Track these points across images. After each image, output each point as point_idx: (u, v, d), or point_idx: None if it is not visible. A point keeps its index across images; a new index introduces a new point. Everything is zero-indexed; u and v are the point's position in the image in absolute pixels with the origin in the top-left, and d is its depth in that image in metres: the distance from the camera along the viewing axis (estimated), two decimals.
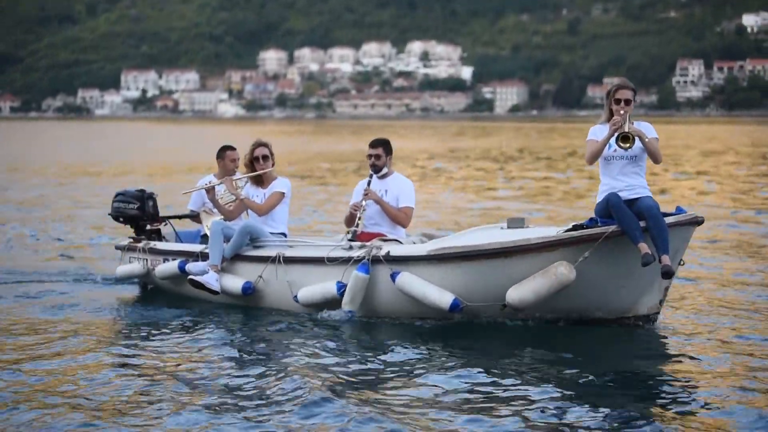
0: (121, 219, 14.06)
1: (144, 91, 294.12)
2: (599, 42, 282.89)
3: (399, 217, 12.12)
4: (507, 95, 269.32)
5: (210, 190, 12.87)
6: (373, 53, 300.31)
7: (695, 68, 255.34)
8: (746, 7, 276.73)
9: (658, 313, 10.84)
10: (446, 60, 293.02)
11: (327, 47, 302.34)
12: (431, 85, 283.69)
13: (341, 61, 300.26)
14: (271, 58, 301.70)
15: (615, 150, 10.62)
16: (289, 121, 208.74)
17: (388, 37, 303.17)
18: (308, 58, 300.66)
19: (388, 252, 11.27)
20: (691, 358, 9.66)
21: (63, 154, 57.31)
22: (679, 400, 8.30)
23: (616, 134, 10.51)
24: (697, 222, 10.49)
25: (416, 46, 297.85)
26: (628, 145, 10.44)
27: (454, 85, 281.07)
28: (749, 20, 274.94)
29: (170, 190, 24.10)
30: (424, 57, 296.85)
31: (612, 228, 10.33)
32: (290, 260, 11.91)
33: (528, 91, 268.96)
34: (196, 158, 50.06)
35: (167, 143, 75.44)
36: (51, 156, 54.17)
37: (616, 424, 7.59)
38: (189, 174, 37.32)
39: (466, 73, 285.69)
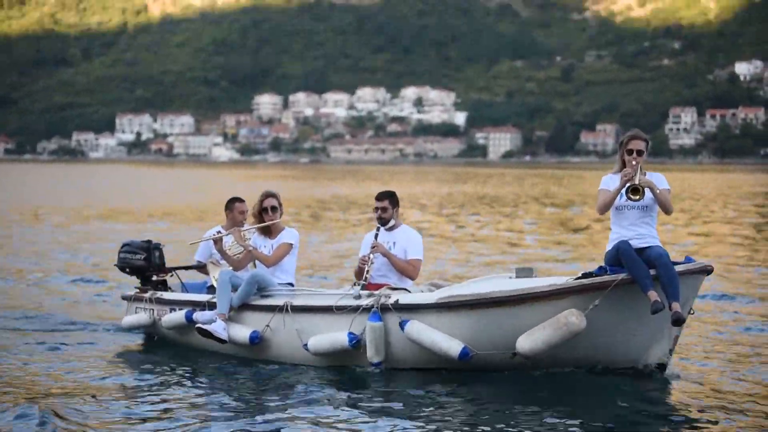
0: (128, 270, 14.05)
1: (138, 135, 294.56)
2: (592, 89, 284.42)
3: (407, 270, 12.13)
4: (500, 141, 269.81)
5: (218, 241, 12.91)
6: (368, 98, 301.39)
7: (688, 116, 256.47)
8: (739, 56, 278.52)
9: (667, 362, 10.86)
10: (440, 105, 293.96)
11: (322, 92, 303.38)
12: (425, 130, 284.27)
13: (336, 105, 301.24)
14: (265, 103, 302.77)
15: (626, 200, 10.69)
16: (283, 165, 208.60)
17: (382, 83, 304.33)
18: (303, 102, 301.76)
19: (397, 300, 11.25)
20: (701, 409, 9.66)
21: (63, 197, 57.21)
22: None
23: (626, 186, 10.58)
24: (707, 271, 10.54)
25: (410, 92, 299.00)
26: (637, 197, 10.50)
27: (447, 130, 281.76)
28: (742, 68, 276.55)
29: (175, 237, 24.03)
30: (418, 102, 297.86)
31: (622, 276, 10.36)
32: (298, 309, 11.88)
33: (521, 137, 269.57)
34: (196, 203, 50.07)
35: (165, 188, 75.33)
36: (51, 199, 54.05)
37: None
38: (190, 222, 37.27)
39: (460, 118, 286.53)
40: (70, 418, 9.44)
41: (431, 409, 9.78)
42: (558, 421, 9.27)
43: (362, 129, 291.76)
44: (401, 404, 9.96)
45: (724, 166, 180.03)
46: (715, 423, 9.13)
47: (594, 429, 8.97)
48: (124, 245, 14.06)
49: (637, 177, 10.56)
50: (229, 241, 13.05)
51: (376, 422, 9.30)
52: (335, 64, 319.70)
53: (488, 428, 9.04)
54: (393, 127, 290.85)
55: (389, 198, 12.34)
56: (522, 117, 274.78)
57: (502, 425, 9.11)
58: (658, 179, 10.73)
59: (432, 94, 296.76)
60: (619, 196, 10.70)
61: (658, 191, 10.59)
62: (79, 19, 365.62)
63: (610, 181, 10.87)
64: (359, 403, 10.06)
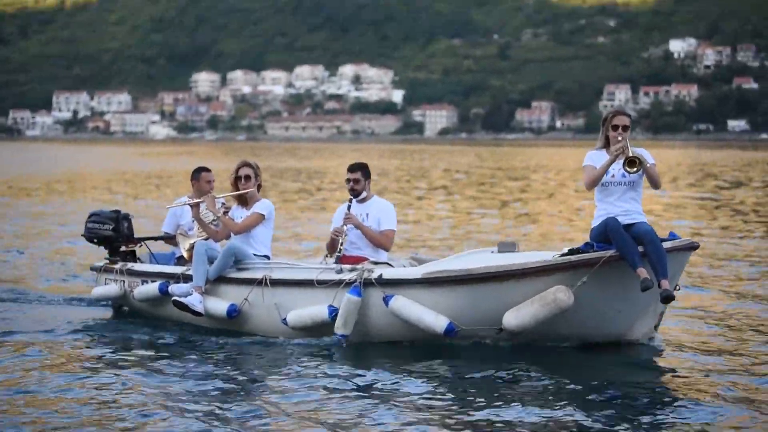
0: (95, 240, 13.79)
1: (75, 113, 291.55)
2: (529, 66, 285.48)
3: (381, 241, 12.02)
4: (437, 118, 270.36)
5: (195, 207, 12.69)
6: (306, 76, 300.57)
7: (622, 93, 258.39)
8: (673, 34, 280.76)
9: (653, 338, 10.88)
10: (378, 83, 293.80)
11: (260, 70, 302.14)
12: (362, 108, 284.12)
13: (274, 83, 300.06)
14: (203, 80, 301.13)
15: (613, 176, 10.66)
16: (220, 143, 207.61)
17: (320, 61, 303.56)
18: (241, 80, 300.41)
19: (381, 275, 11.12)
20: (686, 378, 9.69)
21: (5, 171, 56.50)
22: (677, 422, 8.29)
23: (622, 160, 10.50)
24: (693, 247, 10.56)
25: (348, 69, 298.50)
26: (635, 169, 10.45)
27: (385, 108, 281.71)
28: (676, 46, 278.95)
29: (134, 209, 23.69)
30: (356, 80, 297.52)
31: (610, 252, 10.31)
32: (277, 282, 11.71)
33: (458, 114, 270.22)
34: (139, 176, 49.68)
35: (105, 164, 74.63)
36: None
37: None
38: (140, 195, 36.89)
39: (397, 96, 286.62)
40: (37, 394, 9.19)
41: (413, 382, 9.65)
42: (541, 396, 9.19)
43: (300, 106, 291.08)
44: (381, 377, 9.82)
45: (658, 142, 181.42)
46: (700, 396, 9.10)
47: (578, 402, 8.90)
48: (91, 215, 13.81)
49: (630, 150, 10.50)
50: (202, 209, 12.84)
51: (354, 395, 9.19)
52: (273, 43, 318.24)
53: (471, 400, 8.96)
54: (331, 105, 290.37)
55: (361, 170, 12.21)
56: (458, 95, 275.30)
57: (483, 399, 9.02)
58: (644, 154, 10.67)
59: (370, 72, 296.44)
60: (605, 173, 10.65)
61: (648, 165, 10.54)
62: None
63: (596, 156, 10.83)
64: (337, 377, 9.91)
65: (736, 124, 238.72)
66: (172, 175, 55.95)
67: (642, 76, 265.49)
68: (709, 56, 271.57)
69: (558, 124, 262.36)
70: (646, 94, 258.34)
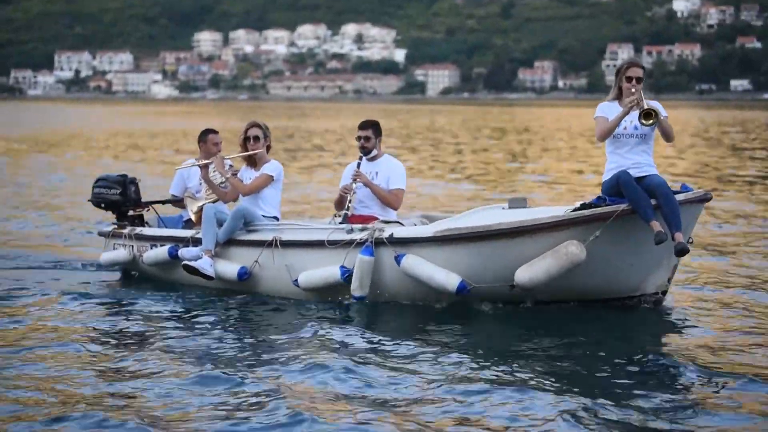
0: (103, 205, 13.64)
1: (77, 72, 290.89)
2: (531, 25, 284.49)
3: (389, 200, 11.92)
4: (439, 78, 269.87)
5: (203, 168, 12.62)
6: (308, 35, 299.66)
7: (625, 52, 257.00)
8: None
9: (666, 291, 10.81)
10: (380, 42, 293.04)
11: (262, 29, 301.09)
12: (365, 67, 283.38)
13: (276, 42, 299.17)
14: (205, 40, 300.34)
15: (625, 128, 10.55)
16: (222, 102, 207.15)
17: (323, 19, 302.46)
18: (243, 39, 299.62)
19: (392, 234, 11.04)
20: (700, 338, 9.67)
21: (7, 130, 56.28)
22: (688, 384, 8.26)
23: (637, 111, 10.40)
24: (706, 199, 10.49)
25: (351, 29, 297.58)
26: (651, 121, 10.35)
27: (387, 67, 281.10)
28: (679, 5, 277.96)
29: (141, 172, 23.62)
30: (359, 39, 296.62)
31: (623, 206, 10.23)
32: (288, 244, 11.64)
33: (460, 74, 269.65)
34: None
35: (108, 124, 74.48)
36: None
37: (621, 410, 7.49)
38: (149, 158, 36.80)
39: (399, 55, 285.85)
40: (46, 363, 9.05)
41: (424, 343, 9.60)
42: (555, 353, 9.19)
43: (302, 66, 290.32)
44: (394, 339, 9.74)
45: (661, 102, 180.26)
46: (711, 354, 9.10)
47: (590, 361, 8.90)
48: (98, 180, 13.65)
49: (645, 102, 10.40)
50: (211, 169, 12.76)
51: (368, 357, 9.13)
52: (276, 1, 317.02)
53: (483, 361, 8.89)
54: (333, 65, 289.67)
55: (373, 127, 12.10)
56: (461, 54, 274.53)
57: (497, 358, 8.97)
58: (657, 107, 10.56)
59: (372, 31, 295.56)
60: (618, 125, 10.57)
61: (661, 118, 10.45)
62: None
63: (608, 108, 10.71)
64: (350, 338, 9.85)
65: (739, 84, 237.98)
66: (176, 134, 55.79)
67: (645, 36, 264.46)
68: (713, 15, 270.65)
69: (560, 83, 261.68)
70: (649, 53, 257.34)
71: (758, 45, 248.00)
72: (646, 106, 10.36)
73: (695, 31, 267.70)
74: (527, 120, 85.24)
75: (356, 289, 11.06)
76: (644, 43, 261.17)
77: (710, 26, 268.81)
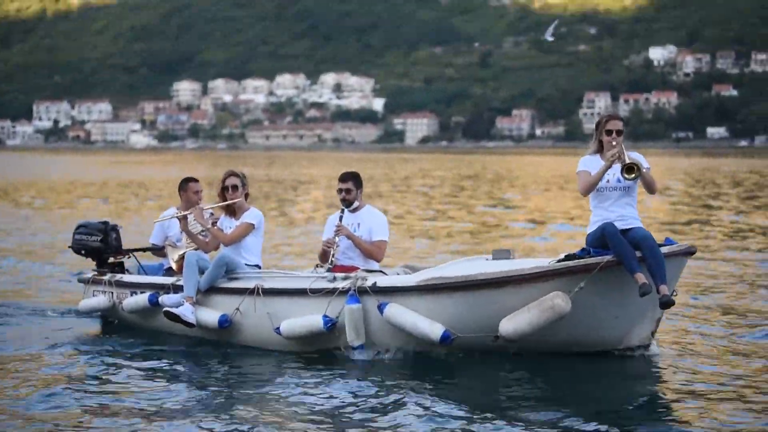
0: (83, 251, 13.61)
1: (56, 122, 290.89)
2: (510, 74, 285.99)
3: (372, 252, 11.86)
4: (417, 126, 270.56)
5: (182, 221, 12.56)
6: (287, 84, 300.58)
7: (602, 100, 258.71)
8: (653, 41, 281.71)
9: (649, 344, 10.75)
10: (359, 91, 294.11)
11: (241, 78, 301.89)
12: (343, 116, 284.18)
13: (255, 92, 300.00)
14: (185, 89, 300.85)
15: (608, 181, 10.55)
16: (201, 151, 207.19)
17: (302, 69, 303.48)
18: (222, 89, 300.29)
19: (375, 283, 10.97)
20: (683, 390, 9.57)
21: None
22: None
23: (620, 166, 10.40)
24: (691, 252, 10.47)
25: (330, 78, 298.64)
26: (633, 175, 10.34)
27: (365, 116, 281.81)
28: (656, 54, 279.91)
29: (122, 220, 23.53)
30: (337, 88, 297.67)
31: (608, 258, 10.20)
32: (270, 292, 11.55)
33: (438, 122, 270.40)
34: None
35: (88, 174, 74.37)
36: None
37: None
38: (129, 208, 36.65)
39: (378, 104, 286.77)
40: (21, 411, 8.93)
41: (410, 394, 9.48)
42: (541, 404, 9.11)
43: (281, 115, 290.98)
44: (377, 389, 9.66)
45: (638, 150, 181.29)
46: (697, 402, 9.03)
47: (575, 411, 8.80)
48: (79, 226, 13.62)
49: (627, 156, 10.40)
50: (190, 220, 12.69)
51: (350, 408, 9.04)
52: (255, 51, 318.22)
53: (470, 412, 8.81)
54: (312, 113, 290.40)
55: (353, 179, 12.05)
56: (440, 103, 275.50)
57: (484, 410, 8.88)
58: (639, 158, 10.56)
59: (351, 80, 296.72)
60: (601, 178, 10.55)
61: (643, 170, 10.44)
62: None
63: (590, 162, 10.71)
64: (334, 389, 9.76)
65: (716, 131, 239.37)
66: (155, 184, 55.74)
67: (622, 84, 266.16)
68: (689, 63, 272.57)
69: (538, 132, 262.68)
70: (626, 101, 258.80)
71: (734, 93, 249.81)
72: (627, 160, 10.35)
73: (672, 79, 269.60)
74: (513, 168, 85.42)
75: (353, 339, 10.97)
76: (621, 91, 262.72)
77: (686, 74, 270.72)
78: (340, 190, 12.05)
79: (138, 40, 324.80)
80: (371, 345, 11.09)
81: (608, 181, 10.54)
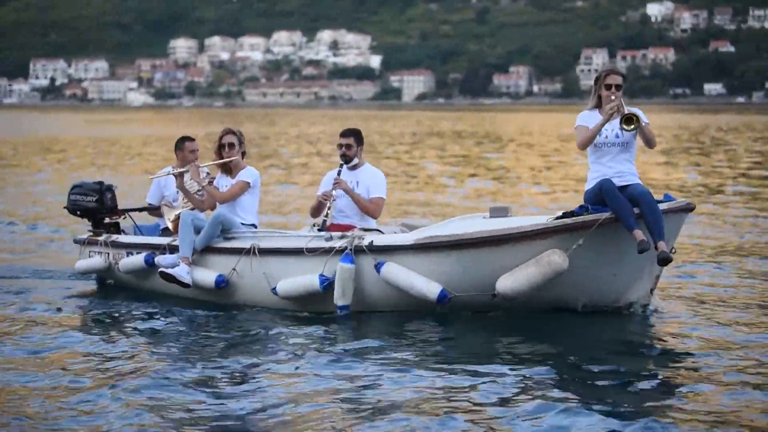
0: (78, 212, 13.53)
1: (53, 80, 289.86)
2: (507, 31, 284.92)
3: (369, 209, 11.76)
4: (414, 84, 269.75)
5: (179, 176, 12.47)
6: (284, 42, 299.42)
7: (599, 57, 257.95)
8: None
9: (648, 302, 10.70)
10: (355, 49, 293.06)
11: (237, 36, 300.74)
12: (340, 73, 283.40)
13: (252, 49, 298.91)
14: (181, 47, 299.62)
15: (606, 137, 10.46)
16: (198, 109, 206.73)
17: (298, 26, 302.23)
18: (218, 46, 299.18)
19: (372, 242, 10.89)
20: (683, 347, 9.52)
21: None
22: (670, 391, 8.14)
23: (618, 117, 10.32)
24: (689, 208, 10.42)
25: (326, 35, 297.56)
26: (632, 126, 10.27)
27: (362, 73, 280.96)
28: (653, 9, 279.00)
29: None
30: (334, 46, 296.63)
31: (606, 215, 10.13)
32: (266, 251, 11.48)
33: (435, 79, 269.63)
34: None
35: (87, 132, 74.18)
36: None
37: (603, 418, 7.32)
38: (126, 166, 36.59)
39: (375, 61, 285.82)
40: (14, 375, 8.86)
41: (406, 352, 9.44)
42: (537, 360, 9.04)
43: (278, 72, 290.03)
44: (374, 348, 9.60)
45: (635, 106, 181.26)
46: (695, 361, 8.97)
47: (573, 369, 8.77)
48: (74, 186, 13.53)
49: (625, 108, 10.31)
50: (186, 178, 12.61)
51: (348, 367, 8.98)
52: (251, 8, 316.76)
53: (466, 368, 8.76)
54: (309, 71, 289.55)
55: (354, 135, 11.95)
56: (436, 60, 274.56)
57: (480, 366, 8.82)
58: (638, 113, 10.46)
59: (348, 37, 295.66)
60: (598, 134, 10.47)
61: (642, 124, 10.36)
62: None
63: (588, 117, 10.64)
64: (330, 348, 9.71)
65: (713, 88, 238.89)
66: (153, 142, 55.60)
67: (619, 40, 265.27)
68: (686, 20, 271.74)
69: (535, 88, 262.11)
70: (623, 58, 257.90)
71: (732, 49, 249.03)
72: (626, 112, 10.27)
73: (669, 35, 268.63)
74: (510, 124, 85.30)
75: (339, 298, 10.90)
76: (618, 47, 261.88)
77: (684, 31, 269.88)
78: (340, 146, 11.94)
79: None
80: (366, 306, 11.04)
81: (606, 136, 10.46)
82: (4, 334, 10.41)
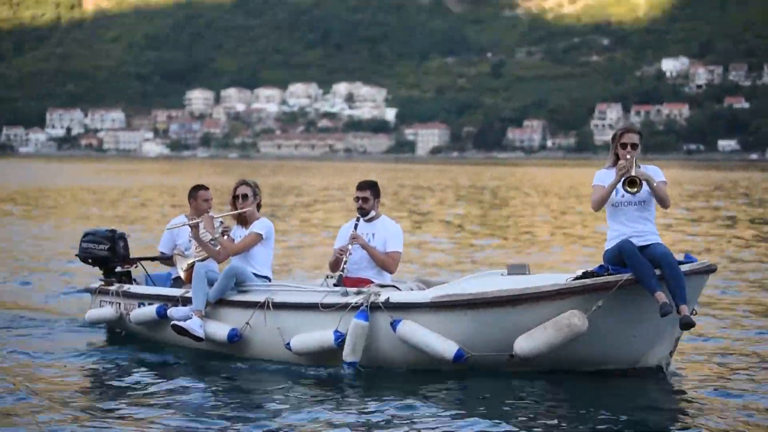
0: (90, 260, 13.40)
1: (69, 130, 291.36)
2: (522, 85, 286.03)
3: (386, 263, 11.62)
4: (429, 137, 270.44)
5: (194, 228, 12.32)
6: (300, 94, 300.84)
7: (613, 112, 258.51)
8: (666, 53, 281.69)
9: (668, 364, 10.49)
10: (371, 101, 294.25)
11: (254, 87, 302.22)
12: (355, 126, 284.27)
13: (268, 101, 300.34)
14: (197, 98, 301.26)
15: (623, 195, 10.29)
16: (213, 160, 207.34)
17: (314, 78, 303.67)
18: (235, 98, 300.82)
19: (388, 298, 10.71)
20: (701, 410, 9.33)
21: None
22: None
23: (622, 179, 10.16)
24: (711, 270, 10.21)
25: (342, 87, 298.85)
26: (635, 189, 10.09)
27: (377, 126, 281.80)
28: (668, 65, 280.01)
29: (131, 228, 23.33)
30: (349, 98, 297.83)
31: (626, 276, 9.94)
32: (280, 306, 11.30)
33: (450, 133, 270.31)
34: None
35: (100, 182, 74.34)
36: None
37: None
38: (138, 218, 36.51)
39: (390, 114, 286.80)
40: (27, 425, 8.73)
41: (422, 411, 9.28)
42: (556, 423, 8.89)
43: (293, 124, 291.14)
44: (389, 406, 9.43)
45: (648, 162, 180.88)
46: (714, 423, 8.80)
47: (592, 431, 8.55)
48: (86, 234, 13.40)
49: (633, 170, 10.13)
50: (200, 229, 12.46)
51: (361, 424, 8.83)
52: (268, 60, 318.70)
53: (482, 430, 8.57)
54: (324, 123, 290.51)
55: (371, 188, 11.83)
56: (451, 113, 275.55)
57: (498, 428, 8.65)
58: (654, 172, 10.34)
59: (363, 90, 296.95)
60: (615, 192, 10.29)
61: (655, 184, 10.17)
62: (13, 14, 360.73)
63: (604, 176, 10.48)
64: (344, 405, 9.55)
65: (727, 144, 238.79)
66: (166, 191, 55.63)
67: (634, 95, 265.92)
68: (701, 75, 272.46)
69: (549, 143, 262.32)
70: (638, 113, 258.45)
71: (746, 105, 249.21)
72: (633, 173, 10.10)
73: (683, 91, 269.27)
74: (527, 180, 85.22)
75: (348, 354, 10.72)
76: (633, 102, 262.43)
77: (699, 86, 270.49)
78: (357, 198, 11.82)
79: (151, 48, 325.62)
80: (380, 362, 10.85)
81: (623, 195, 10.29)
82: (8, 388, 10.21)
